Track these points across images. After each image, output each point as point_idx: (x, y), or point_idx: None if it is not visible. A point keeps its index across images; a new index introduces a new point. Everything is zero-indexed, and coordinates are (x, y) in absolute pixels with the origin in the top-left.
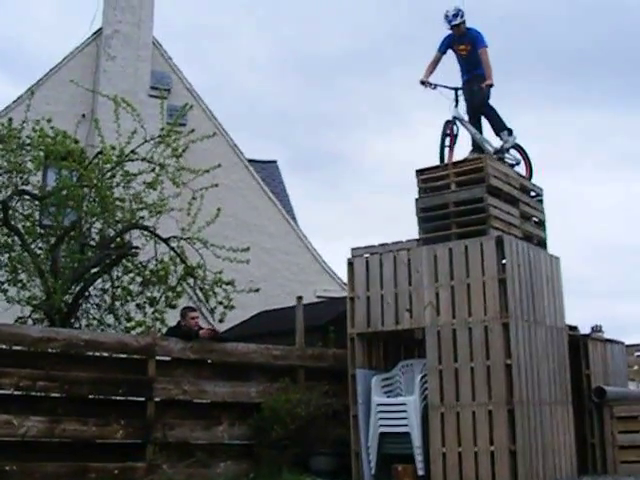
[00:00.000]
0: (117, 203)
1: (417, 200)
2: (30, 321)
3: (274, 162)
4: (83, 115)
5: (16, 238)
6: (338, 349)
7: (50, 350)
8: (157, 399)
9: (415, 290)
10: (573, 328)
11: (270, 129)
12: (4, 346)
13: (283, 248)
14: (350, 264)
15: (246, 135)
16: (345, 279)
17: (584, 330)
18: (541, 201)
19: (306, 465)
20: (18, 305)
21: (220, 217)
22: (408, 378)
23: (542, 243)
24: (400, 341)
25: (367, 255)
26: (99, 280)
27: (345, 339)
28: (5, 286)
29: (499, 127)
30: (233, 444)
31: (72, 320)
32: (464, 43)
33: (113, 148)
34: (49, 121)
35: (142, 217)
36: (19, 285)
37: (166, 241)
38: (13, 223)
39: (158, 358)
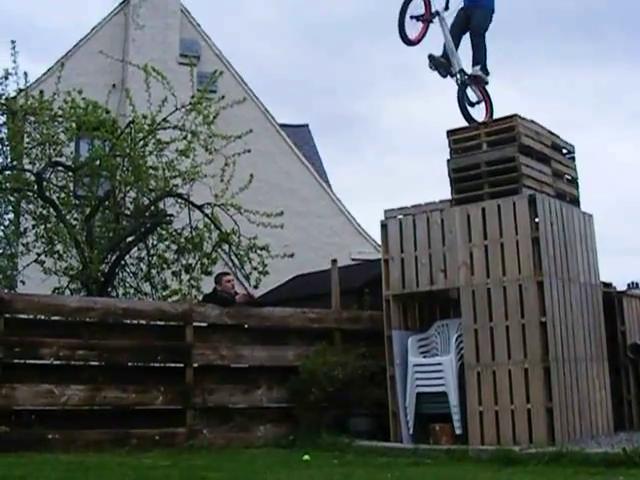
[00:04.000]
0: (150, 172)
1: (449, 161)
2: (68, 291)
3: (305, 126)
4: (113, 85)
5: (51, 209)
6: (374, 311)
7: (88, 319)
8: (195, 365)
9: (449, 250)
10: (608, 285)
11: (284, 95)
12: (43, 317)
13: (317, 212)
14: (384, 226)
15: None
16: (379, 241)
17: (620, 287)
18: (573, 158)
19: (344, 427)
20: (55, 276)
21: (253, 182)
22: (444, 338)
23: (575, 201)
24: (435, 301)
25: (400, 216)
26: (135, 249)
27: (380, 301)
28: (42, 257)
29: (479, 59)
30: (272, 407)
31: (109, 289)
32: None
33: (145, 117)
34: (80, 92)
35: (176, 185)
36: (56, 256)
37: (200, 208)
38: (48, 195)
39: (195, 324)
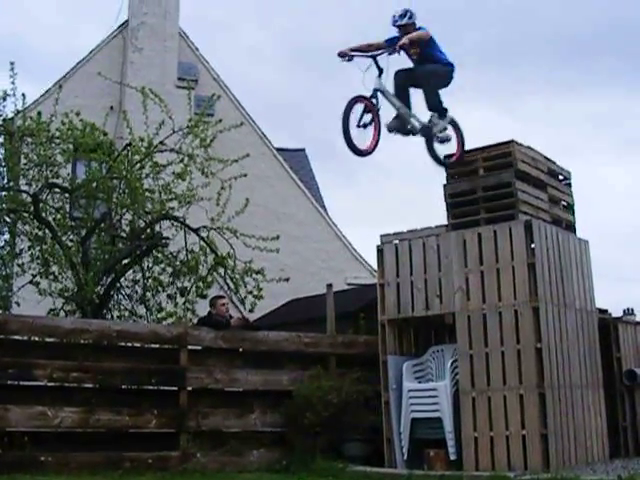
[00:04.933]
0: (147, 194)
1: (445, 186)
2: (62, 313)
3: (302, 150)
4: (111, 107)
5: (47, 231)
6: (369, 336)
7: (83, 341)
8: (190, 388)
9: (445, 275)
10: (603, 311)
11: (280, 120)
12: (37, 338)
13: (313, 236)
14: (379, 251)
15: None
16: (375, 266)
17: (616, 314)
18: (569, 185)
19: (339, 452)
20: (50, 297)
21: (249, 206)
22: (439, 363)
23: (571, 227)
24: (430, 327)
25: (396, 241)
26: (130, 271)
27: (376, 326)
28: (37, 278)
29: (432, 106)
30: (266, 432)
31: (104, 311)
32: (413, 47)
33: (142, 140)
34: (78, 114)
35: (172, 208)
36: (51, 277)
37: (196, 231)
38: (44, 216)
39: (190, 347)
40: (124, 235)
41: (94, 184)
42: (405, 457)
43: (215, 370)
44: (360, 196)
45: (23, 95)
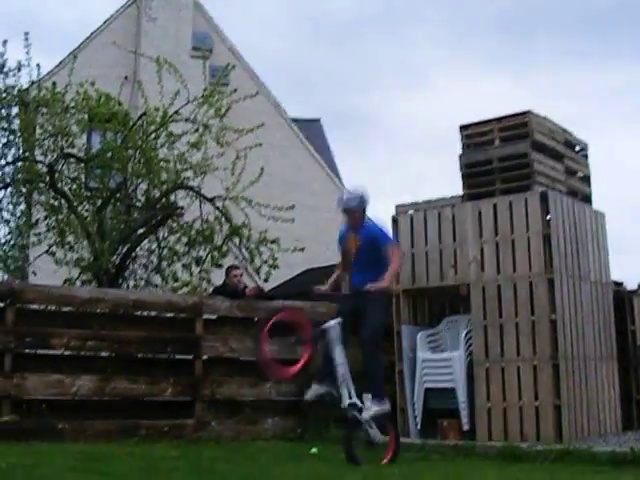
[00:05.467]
0: (162, 164)
1: (461, 156)
2: (79, 282)
3: (317, 120)
4: (126, 77)
5: (63, 201)
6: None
7: (99, 310)
8: (205, 357)
9: (459, 246)
10: (619, 284)
11: (295, 90)
12: (54, 307)
13: (328, 206)
14: (394, 221)
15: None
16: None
17: (631, 287)
18: (586, 156)
19: None
20: (66, 267)
21: (264, 176)
22: (453, 334)
23: (587, 199)
24: (445, 297)
25: (411, 212)
26: (145, 241)
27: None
28: (53, 248)
29: (372, 387)
30: (280, 400)
31: (120, 281)
32: (356, 238)
33: (156, 109)
34: (92, 84)
35: (187, 177)
36: (67, 247)
37: (211, 201)
38: (59, 186)
39: (205, 317)
40: (139, 205)
41: (109, 154)
42: (418, 427)
43: (230, 339)
44: (375, 166)
45: (38, 66)
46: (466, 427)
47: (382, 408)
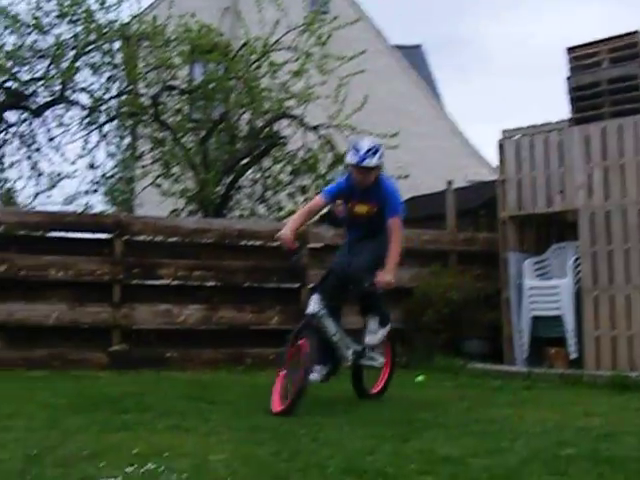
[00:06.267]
0: (264, 93)
1: (568, 79)
2: (184, 213)
3: (419, 47)
4: (226, 8)
5: (167, 133)
6: (489, 233)
7: (205, 241)
8: (310, 285)
9: (567, 172)
10: None
11: (389, 17)
12: (161, 238)
13: (432, 133)
14: (500, 146)
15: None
16: (495, 162)
17: None
18: None
19: (458, 349)
20: (172, 198)
21: (367, 104)
22: (560, 261)
23: None
24: (552, 224)
25: (517, 137)
26: (249, 171)
27: (496, 223)
28: (159, 180)
29: (378, 312)
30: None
31: (225, 211)
32: (367, 201)
33: (257, 39)
34: (193, 16)
35: (289, 106)
36: (172, 179)
37: (314, 129)
38: (163, 118)
39: (310, 245)
40: (243, 135)
41: (212, 85)
42: (525, 355)
43: None
44: (479, 92)
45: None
46: (573, 355)
47: (386, 330)
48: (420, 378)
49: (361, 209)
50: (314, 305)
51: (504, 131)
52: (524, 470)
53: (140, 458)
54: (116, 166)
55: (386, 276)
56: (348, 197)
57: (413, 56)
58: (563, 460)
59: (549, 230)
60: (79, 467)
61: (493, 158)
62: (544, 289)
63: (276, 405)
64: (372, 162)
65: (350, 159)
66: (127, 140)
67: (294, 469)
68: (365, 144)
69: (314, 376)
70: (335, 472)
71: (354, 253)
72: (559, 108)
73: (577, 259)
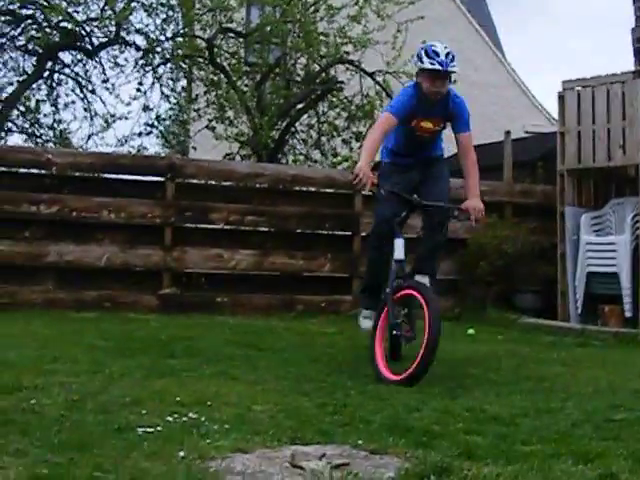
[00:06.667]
0: (321, 38)
1: (633, 29)
2: (238, 157)
3: None
4: None
5: (222, 76)
6: (547, 185)
7: (258, 185)
8: (363, 234)
9: (629, 125)
10: None
11: None
12: (214, 182)
13: (490, 82)
14: (561, 97)
15: None
16: (554, 114)
17: None
18: None
19: (510, 302)
20: (226, 142)
21: None
22: (619, 217)
23: None
24: (611, 179)
25: (579, 88)
26: (305, 116)
27: (554, 175)
28: (213, 123)
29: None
30: (439, 279)
31: (279, 156)
32: (433, 116)
33: None
34: None
35: (347, 52)
36: (226, 122)
37: (371, 75)
38: (219, 61)
39: (365, 193)
40: (299, 79)
41: (268, 28)
42: (579, 311)
43: None
44: (540, 42)
45: None
46: (628, 314)
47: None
48: (471, 331)
49: (427, 125)
50: (401, 251)
51: (565, 82)
52: (575, 433)
53: (183, 406)
54: (171, 108)
55: (478, 202)
56: (413, 113)
57: (474, 3)
58: (616, 424)
59: (608, 185)
60: (120, 414)
61: (553, 110)
62: (601, 245)
63: (387, 372)
64: (455, 67)
65: (428, 64)
66: (182, 83)
67: (338, 423)
68: (441, 47)
69: (365, 323)
70: (380, 429)
71: (422, 181)
72: (624, 62)
73: (636, 215)
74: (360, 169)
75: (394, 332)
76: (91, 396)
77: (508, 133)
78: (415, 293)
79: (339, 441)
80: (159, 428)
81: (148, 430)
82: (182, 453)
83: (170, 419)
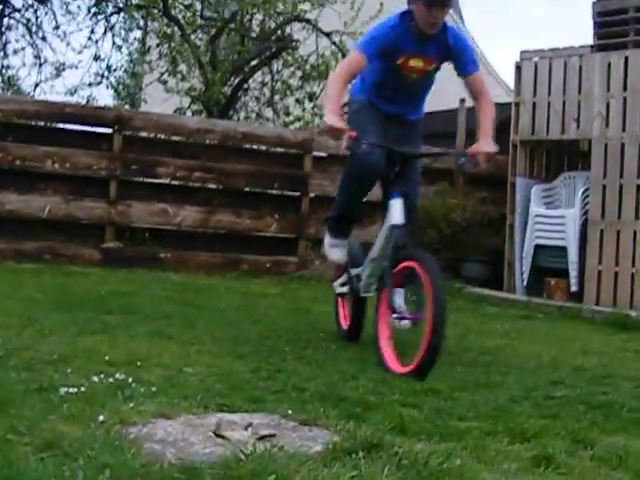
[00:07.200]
0: None
1: (594, 3)
2: (189, 112)
3: None
4: None
5: (176, 29)
6: (499, 155)
7: (207, 141)
8: (312, 195)
9: (584, 99)
10: None
11: None
12: (162, 136)
13: None
14: (518, 67)
15: None
16: (510, 84)
17: None
18: None
19: (457, 271)
20: (177, 96)
21: (383, 12)
22: (569, 190)
23: None
24: (564, 152)
25: (536, 59)
26: (258, 73)
27: (506, 146)
28: (165, 76)
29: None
30: None
31: (230, 112)
32: (424, 54)
33: None
34: None
35: (304, 10)
36: (179, 76)
37: (328, 35)
38: (174, 13)
39: (315, 154)
40: (254, 36)
41: None
42: (525, 283)
43: (339, 178)
44: (499, 13)
45: None
46: (574, 288)
47: None
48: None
49: (417, 63)
50: (400, 214)
51: (523, 52)
52: (513, 410)
53: (111, 366)
54: (122, 59)
55: (488, 145)
56: (397, 49)
57: None
58: (555, 402)
59: (560, 158)
60: (44, 372)
61: (510, 81)
62: (550, 218)
63: (393, 362)
64: None
65: None
66: (135, 34)
67: (270, 390)
68: None
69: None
70: (313, 397)
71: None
72: (586, 36)
73: (586, 190)
74: (329, 125)
75: (394, 316)
76: (17, 352)
77: (463, 101)
78: (415, 265)
79: (269, 409)
80: (83, 389)
81: (71, 391)
82: (102, 417)
83: (96, 379)
